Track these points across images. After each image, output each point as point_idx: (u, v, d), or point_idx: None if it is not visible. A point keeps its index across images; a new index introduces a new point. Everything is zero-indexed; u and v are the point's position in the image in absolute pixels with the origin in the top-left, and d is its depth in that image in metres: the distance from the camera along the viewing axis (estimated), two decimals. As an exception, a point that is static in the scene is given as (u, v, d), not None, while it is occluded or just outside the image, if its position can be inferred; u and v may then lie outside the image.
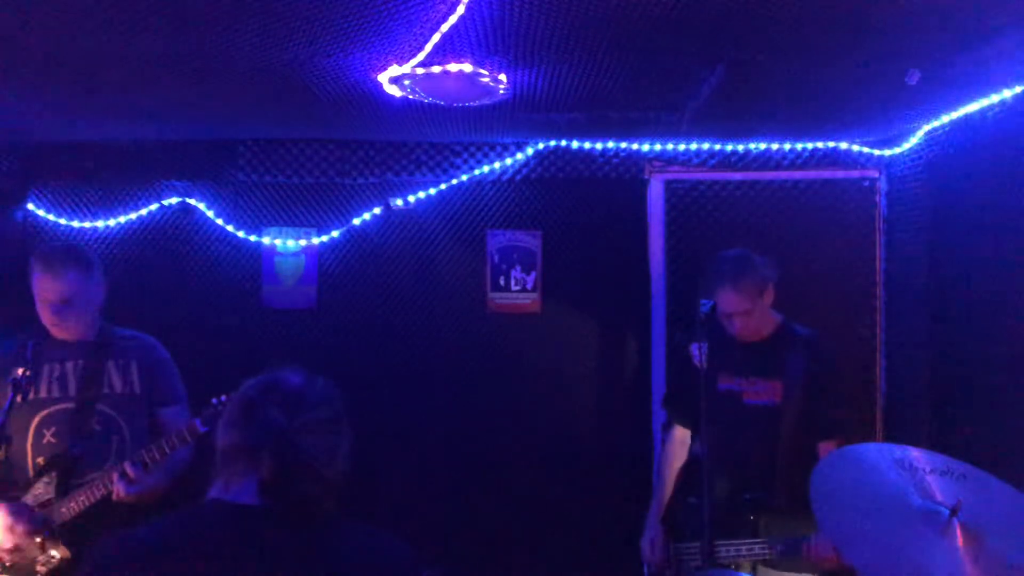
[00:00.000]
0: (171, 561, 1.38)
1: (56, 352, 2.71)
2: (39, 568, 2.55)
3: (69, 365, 2.71)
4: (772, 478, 2.68)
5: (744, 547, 2.56)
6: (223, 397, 2.53)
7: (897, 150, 3.58)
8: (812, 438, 2.67)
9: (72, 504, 2.58)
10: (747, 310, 2.70)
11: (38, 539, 2.54)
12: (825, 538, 2.44)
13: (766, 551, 2.55)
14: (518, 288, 3.80)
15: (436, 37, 2.11)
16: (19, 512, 2.54)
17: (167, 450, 2.56)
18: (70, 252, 2.72)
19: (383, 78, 2.52)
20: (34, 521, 2.54)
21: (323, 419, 1.51)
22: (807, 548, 2.48)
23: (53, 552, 2.55)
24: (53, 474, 2.61)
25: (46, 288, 2.63)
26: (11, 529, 2.51)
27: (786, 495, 2.63)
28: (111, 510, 2.55)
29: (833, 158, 3.76)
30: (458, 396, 3.80)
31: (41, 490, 2.61)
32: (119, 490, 2.50)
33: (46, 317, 2.67)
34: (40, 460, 2.63)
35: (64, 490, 2.60)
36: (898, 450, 1.90)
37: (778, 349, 2.78)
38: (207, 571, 1.38)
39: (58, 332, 2.70)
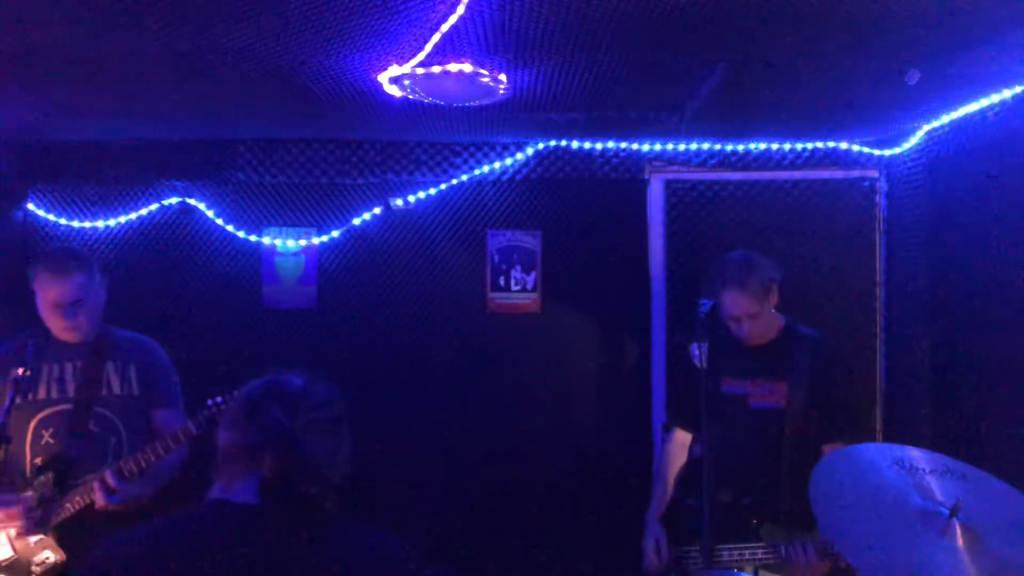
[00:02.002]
0: (171, 561, 1.38)
1: (55, 353, 2.71)
2: (34, 569, 2.55)
3: (68, 366, 2.71)
4: (776, 482, 2.67)
5: (748, 551, 2.56)
6: (218, 399, 2.53)
7: (897, 150, 3.58)
8: (816, 441, 2.67)
9: (67, 505, 2.58)
10: (755, 312, 2.69)
11: (33, 537, 2.54)
12: (811, 546, 2.44)
13: (770, 555, 2.55)
14: (518, 288, 3.80)
15: (436, 37, 2.11)
16: (14, 503, 2.54)
17: (161, 452, 2.56)
18: (71, 254, 2.73)
19: (383, 78, 2.52)
20: (29, 514, 2.54)
21: (325, 420, 1.51)
22: (794, 555, 2.47)
23: (48, 553, 2.55)
24: (50, 475, 2.61)
25: (56, 292, 2.62)
26: (8, 518, 2.51)
27: (789, 499, 2.62)
28: (106, 512, 2.55)
29: (833, 158, 3.76)
30: (458, 396, 3.80)
31: (38, 490, 2.61)
32: (99, 499, 2.50)
33: (57, 322, 2.67)
34: (38, 460, 2.63)
35: (60, 491, 2.60)
36: (898, 450, 1.90)
37: (784, 351, 2.77)
38: (208, 571, 1.38)
39: (69, 335, 2.70)
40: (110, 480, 2.50)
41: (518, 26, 2.06)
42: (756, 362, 2.78)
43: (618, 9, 1.94)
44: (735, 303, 2.67)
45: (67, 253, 2.75)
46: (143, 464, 2.55)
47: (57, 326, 2.68)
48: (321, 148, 3.81)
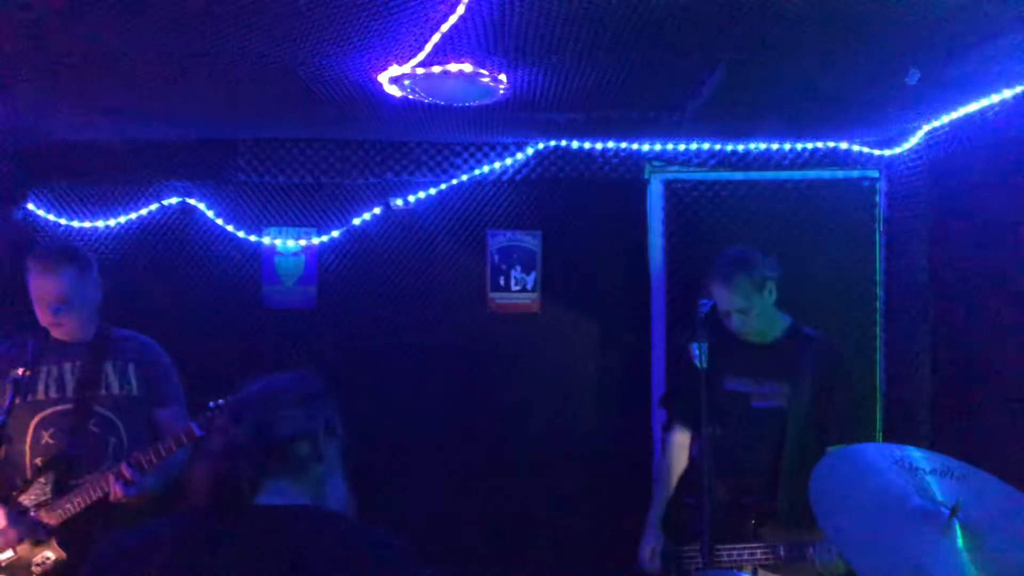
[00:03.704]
0: (168, 562, 1.38)
1: (55, 353, 2.71)
2: (34, 569, 2.55)
3: (67, 366, 2.71)
4: (775, 482, 2.67)
5: (747, 551, 2.56)
6: (220, 401, 2.53)
7: (897, 150, 3.58)
8: (818, 442, 2.67)
9: (68, 505, 2.58)
10: (743, 308, 2.70)
11: (32, 544, 2.55)
12: (821, 548, 2.44)
13: (769, 556, 2.55)
14: (518, 288, 3.80)
15: (436, 37, 2.11)
16: (12, 518, 2.55)
17: (163, 453, 2.56)
18: (65, 252, 2.72)
19: (383, 78, 2.52)
20: (28, 527, 2.55)
21: (296, 401, 1.57)
22: (796, 557, 2.47)
23: (48, 553, 2.55)
24: (50, 475, 2.61)
25: (43, 288, 2.63)
26: (4, 533, 2.52)
27: (789, 500, 2.62)
28: (107, 512, 2.55)
29: (833, 158, 3.76)
30: (458, 396, 3.80)
31: (38, 491, 2.61)
32: (116, 492, 2.51)
33: (44, 318, 2.67)
34: (38, 461, 2.63)
35: (61, 491, 2.60)
36: (898, 450, 1.90)
37: (787, 351, 2.77)
38: (205, 571, 1.38)
39: (57, 332, 2.70)
40: (126, 472, 2.51)
41: (518, 26, 2.06)
42: (759, 361, 2.79)
43: (618, 9, 1.94)
44: (722, 298, 2.70)
45: (60, 250, 2.74)
46: (158, 458, 2.56)
47: (45, 321, 2.68)
48: (321, 148, 3.81)
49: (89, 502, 2.57)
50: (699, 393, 2.50)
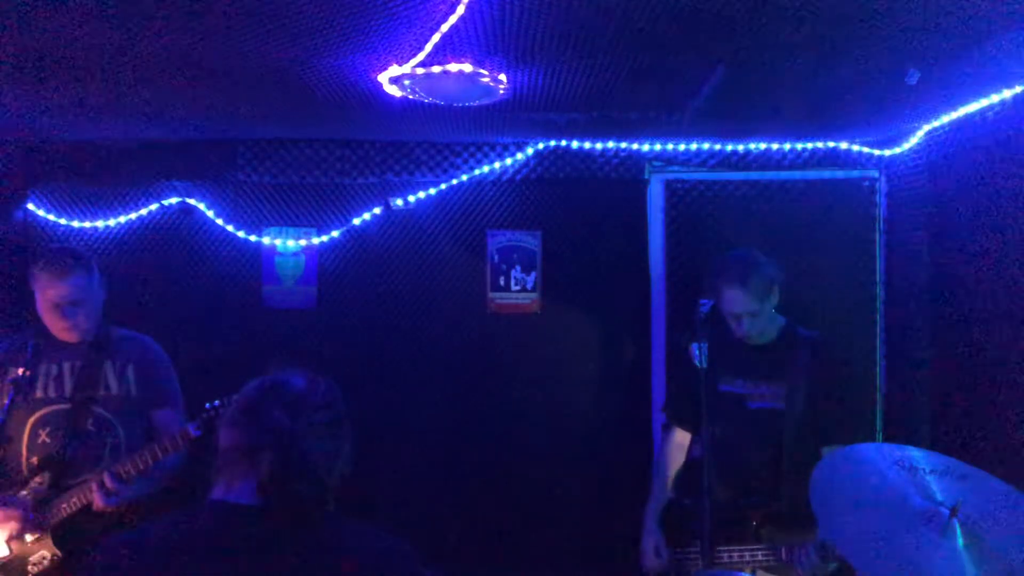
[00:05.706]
0: (172, 562, 1.38)
1: (54, 352, 2.71)
2: (30, 568, 2.55)
3: (66, 365, 2.71)
4: (774, 483, 2.67)
5: (747, 552, 2.56)
6: (216, 402, 2.53)
7: (897, 150, 3.58)
8: (815, 442, 2.67)
9: (63, 505, 2.58)
10: (755, 311, 2.69)
11: (30, 537, 2.54)
12: (811, 549, 2.44)
13: (769, 557, 2.55)
14: (518, 288, 3.80)
15: (436, 37, 2.11)
16: (13, 505, 2.55)
17: (159, 454, 2.55)
18: (71, 254, 2.73)
19: (383, 78, 2.52)
20: (27, 516, 2.54)
21: (325, 422, 1.51)
22: (795, 559, 2.48)
23: (44, 552, 2.55)
24: (46, 474, 2.61)
25: (55, 293, 2.62)
26: (5, 521, 2.52)
27: (788, 501, 2.62)
28: (103, 512, 2.55)
29: (833, 158, 3.76)
30: (458, 396, 3.80)
31: (34, 490, 2.61)
32: (97, 501, 2.50)
33: (57, 322, 2.67)
34: (34, 460, 2.63)
35: (57, 491, 2.60)
36: (898, 450, 1.91)
37: (783, 352, 2.77)
38: (208, 572, 1.38)
39: (68, 335, 2.70)
40: (108, 482, 2.49)
41: (518, 26, 2.06)
42: (755, 362, 2.78)
43: (618, 9, 1.94)
44: (736, 300, 2.68)
45: (65, 253, 2.75)
46: (141, 466, 2.55)
47: (56, 326, 2.68)
48: (321, 148, 3.81)
49: (82, 504, 2.56)
50: (699, 394, 2.50)
